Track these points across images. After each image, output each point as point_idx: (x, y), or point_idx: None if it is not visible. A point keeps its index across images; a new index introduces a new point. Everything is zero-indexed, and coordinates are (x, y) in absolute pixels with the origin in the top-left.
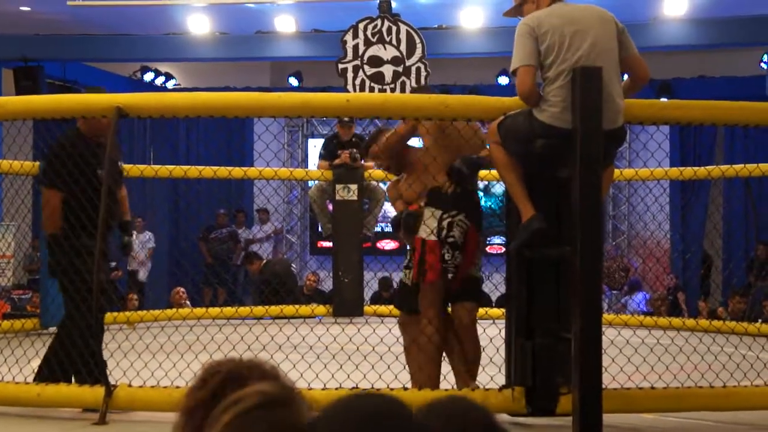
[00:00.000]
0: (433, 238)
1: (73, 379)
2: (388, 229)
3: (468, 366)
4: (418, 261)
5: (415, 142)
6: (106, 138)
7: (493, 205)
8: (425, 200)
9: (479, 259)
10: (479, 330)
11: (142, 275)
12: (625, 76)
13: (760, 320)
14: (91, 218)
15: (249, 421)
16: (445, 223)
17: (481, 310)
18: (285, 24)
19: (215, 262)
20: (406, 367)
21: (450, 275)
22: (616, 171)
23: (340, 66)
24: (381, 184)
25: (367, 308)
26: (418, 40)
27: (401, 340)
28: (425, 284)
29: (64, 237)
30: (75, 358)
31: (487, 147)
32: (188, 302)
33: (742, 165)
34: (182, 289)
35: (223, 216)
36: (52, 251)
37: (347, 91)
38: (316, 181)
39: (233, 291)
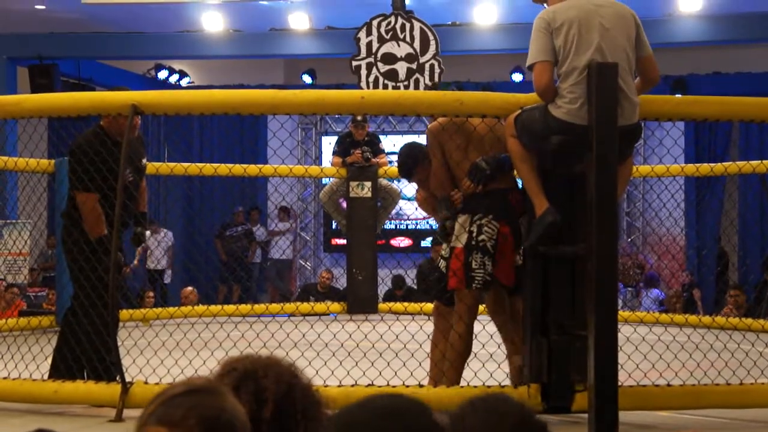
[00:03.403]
0: (458, 244)
1: (86, 375)
2: (402, 226)
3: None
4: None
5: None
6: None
7: None
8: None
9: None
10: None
11: (165, 277)
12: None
13: None
14: (108, 216)
15: (172, 406)
16: (474, 227)
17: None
18: (299, 21)
19: (230, 259)
20: (422, 364)
21: (476, 285)
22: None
23: (354, 63)
24: (396, 183)
25: (381, 305)
26: (431, 37)
27: (417, 336)
28: (450, 290)
29: (81, 232)
30: (86, 353)
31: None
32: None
33: (759, 161)
34: (191, 289)
35: (240, 214)
36: (68, 248)
37: (361, 89)
38: (331, 179)
39: (248, 288)
